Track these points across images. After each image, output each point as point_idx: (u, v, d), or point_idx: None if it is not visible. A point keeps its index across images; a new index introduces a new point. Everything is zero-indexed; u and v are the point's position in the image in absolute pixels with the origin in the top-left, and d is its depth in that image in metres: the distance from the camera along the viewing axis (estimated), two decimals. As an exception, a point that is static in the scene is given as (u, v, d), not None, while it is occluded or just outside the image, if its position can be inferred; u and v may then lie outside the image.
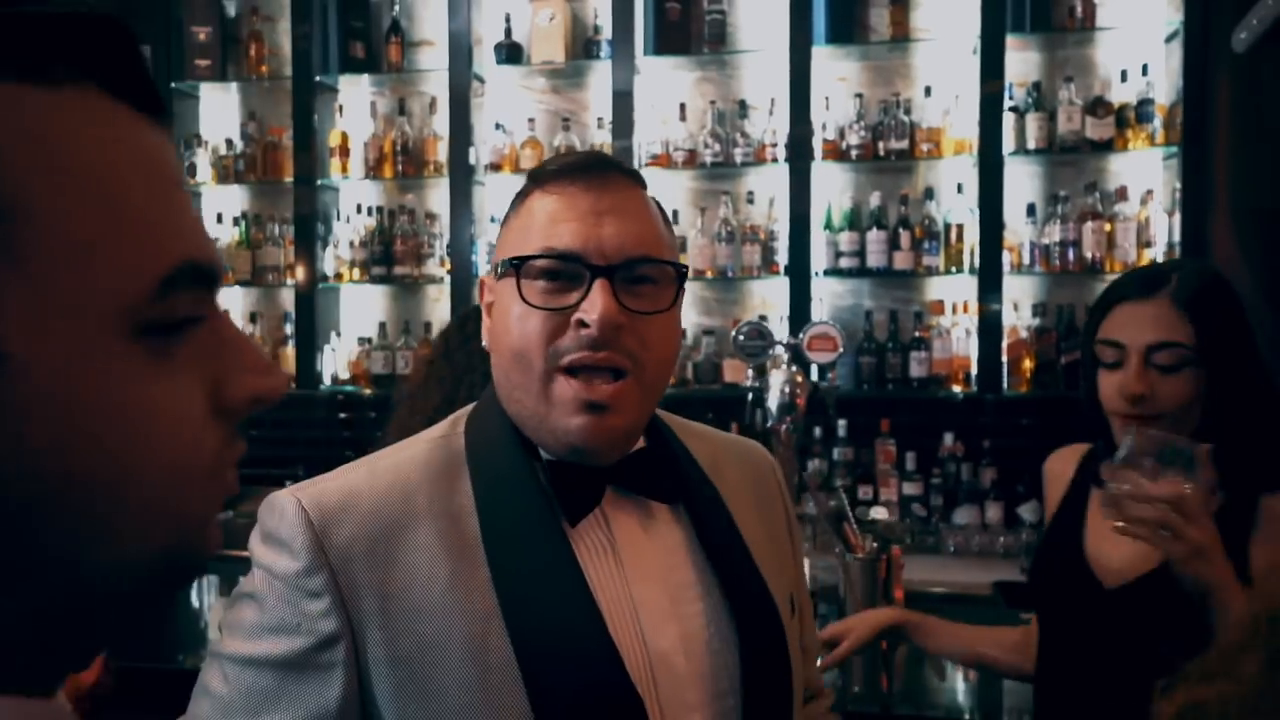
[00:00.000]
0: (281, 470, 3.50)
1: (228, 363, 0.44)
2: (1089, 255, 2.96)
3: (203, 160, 3.52)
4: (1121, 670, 1.22)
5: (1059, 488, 1.44)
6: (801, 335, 1.86)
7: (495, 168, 3.31)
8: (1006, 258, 3.02)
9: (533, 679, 0.78)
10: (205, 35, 3.49)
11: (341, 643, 0.78)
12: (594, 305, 0.80)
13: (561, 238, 0.82)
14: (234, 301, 3.61)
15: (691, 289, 3.31)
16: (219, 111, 3.62)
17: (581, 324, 0.80)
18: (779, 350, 1.99)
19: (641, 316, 0.83)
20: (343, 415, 3.59)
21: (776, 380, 1.93)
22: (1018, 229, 3.06)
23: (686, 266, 0.89)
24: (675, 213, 3.21)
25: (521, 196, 0.88)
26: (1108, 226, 2.97)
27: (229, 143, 3.53)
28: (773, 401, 1.96)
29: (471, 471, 0.86)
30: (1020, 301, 3.10)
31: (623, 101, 3.12)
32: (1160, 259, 2.94)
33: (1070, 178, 3.08)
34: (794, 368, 1.82)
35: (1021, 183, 3.09)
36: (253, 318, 3.58)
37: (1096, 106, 2.95)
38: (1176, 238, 2.87)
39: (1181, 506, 1.06)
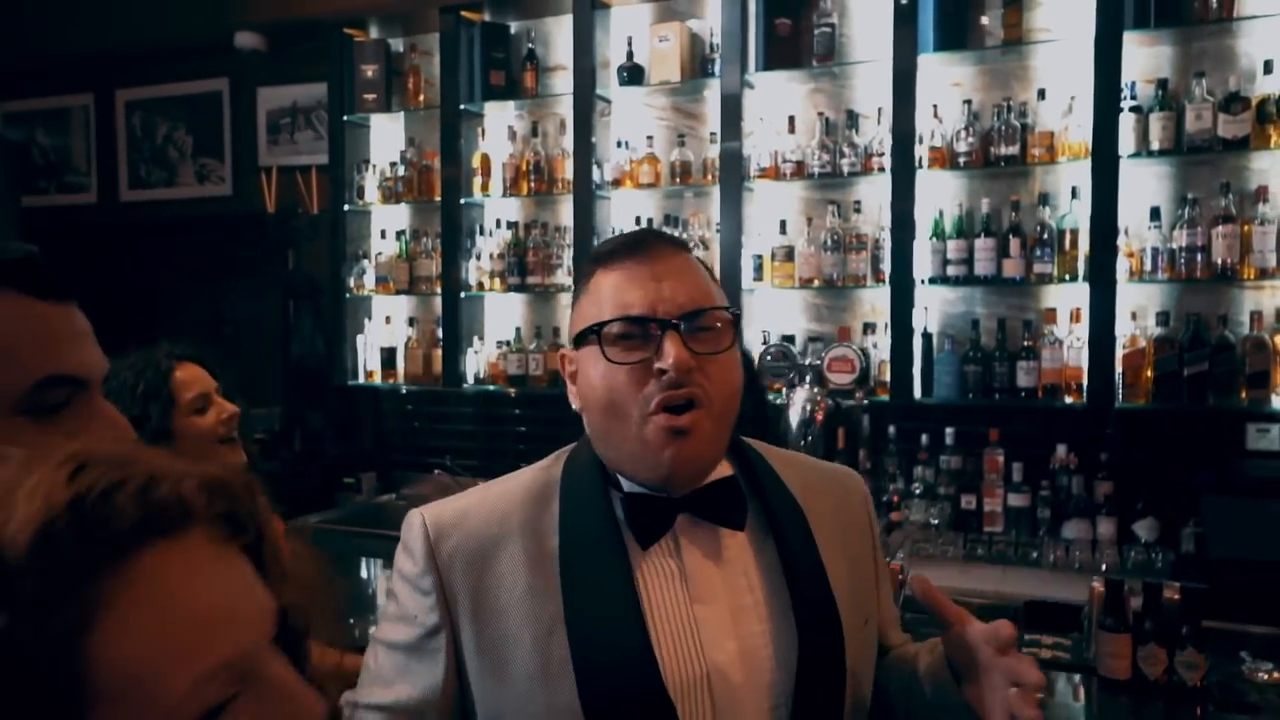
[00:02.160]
0: (434, 459, 3.92)
1: (93, 425, 0.78)
2: (1219, 261, 2.78)
3: (370, 183, 3.98)
4: None
5: None
6: (822, 357, 1.94)
7: (617, 183, 3.53)
8: (1125, 264, 2.89)
9: (584, 679, 0.92)
10: (373, 72, 3.94)
11: (442, 633, 0.98)
12: (668, 354, 0.95)
13: (631, 304, 0.98)
14: (396, 308, 4.05)
15: (801, 297, 3.39)
16: (385, 139, 4.07)
17: (661, 371, 0.95)
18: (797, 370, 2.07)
19: (707, 357, 0.97)
20: (484, 411, 3.95)
21: (799, 398, 2.01)
22: (1141, 234, 2.92)
23: (739, 312, 1.06)
24: (783, 222, 3.30)
25: (585, 278, 1.04)
26: (1244, 229, 2.78)
27: (392, 165, 3.97)
28: (794, 417, 2.04)
29: (561, 497, 1.02)
30: (1145, 310, 2.95)
31: (732, 116, 3.25)
32: (1303, 264, 2.72)
33: (1203, 179, 2.90)
34: (815, 388, 1.90)
35: (1145, 185, 2.95)
36: (411, 322, 4.00)
37: (1231, 102, 2.76)
38: (1320, 241, 2.64)
39: None
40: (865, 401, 2.58)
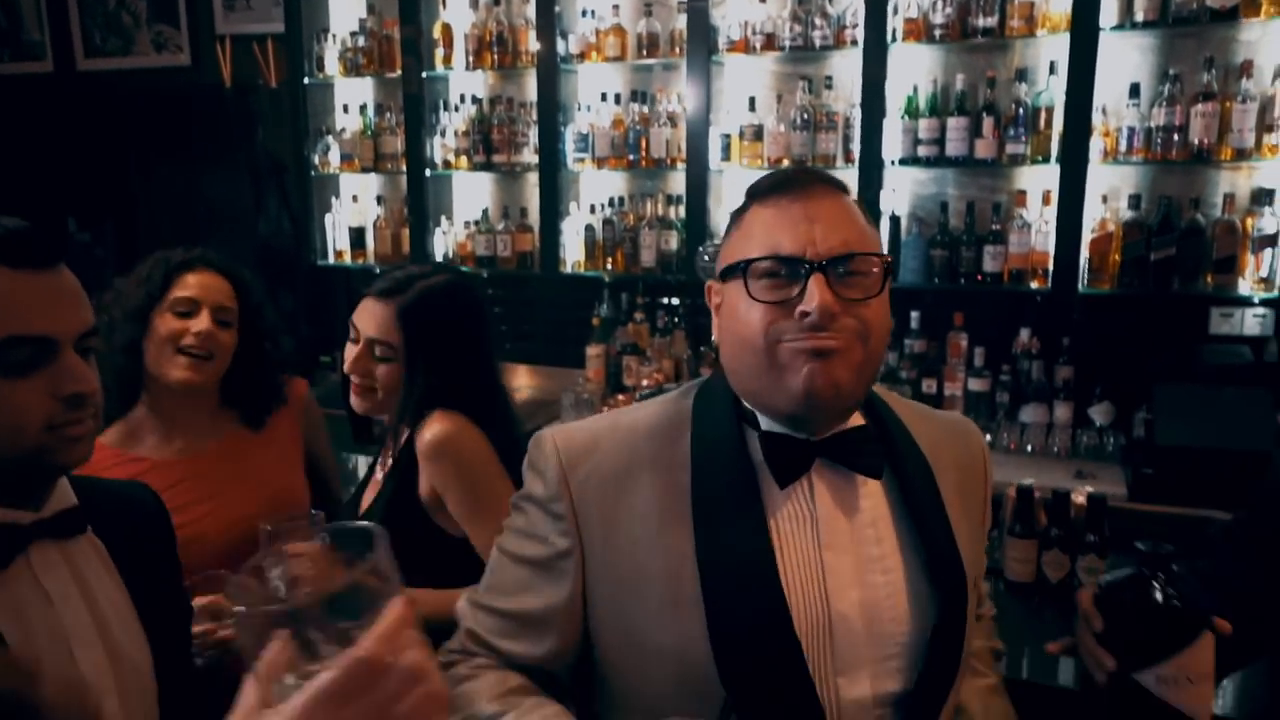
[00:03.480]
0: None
1: (62, 378, 0.95)
2: (1196, 141, 2.69)
3: (331, 54, 3.81)
4: None
5: None
6: None
7: (583, 56, 3.38)
8: (1100, 145, 2.80)
9: (714, 613, 0.94)
10: (327, -67, 3.71)
11: (573, 556, 1.01)
12: (812, 296, 0.93)
13: (781, 242, 0.96)
14: (364, 187, 3.96)
15: (771, 176, 3.30)
16: (344, 5, 3.87)
17: (804, 314, 0.93)
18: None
19: (854, 304, 0.95)
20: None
21: None
22: (1119, 112, 2.81)
23: (891, 259, 1.01)
24: (752, 99, 3.18)
25: (741, 212, 1.03)
26: (1224, 107, 2.67)
27: (353, 35, 3.80)
28: None
29: (693, 431, 1.02)
30: (1118, 192, 2.88)
31: (701, -16, 3.08)
32: (1281, 145, 2.63)
33: (1187, 53, 2.77)
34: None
35: (1127, 60, 2.82)
36: (379, 201, 3.92)
37: (1222, -32, 2.60)
38: (1300, 122, 2.55)
39: None
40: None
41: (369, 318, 1.58)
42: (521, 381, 3.86)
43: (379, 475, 1.64)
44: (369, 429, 1.75)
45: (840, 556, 0.99)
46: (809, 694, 0.94)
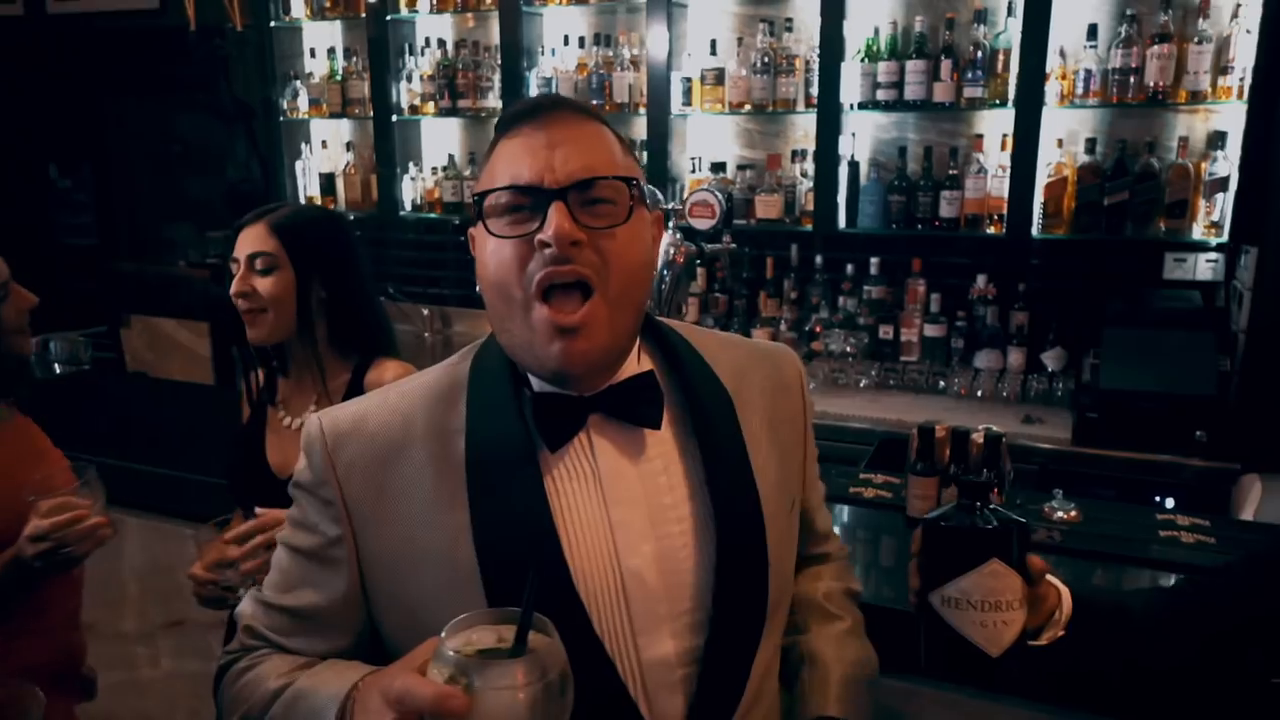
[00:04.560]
0: (379, 285, 3.96)
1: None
2: (1151, 83, 2.67)
3: (297, -4, 3.78)
4: None
5: None
6: (684, 202, 1.92)
7: (545, -2, 3.35)
8: (1057, 88, 2.78)
9: (491, 585, 0.88)
10: None
11: (344, 543, 0.94)
12: (550, 224, 0.86)
13: (520, 172, 0.88)
14: (334, 132, 3.96)
15: (733, 122, 3.30)
16: (309, -53, 3.83)
17: (544, 245, 0.86)
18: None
19: (600, 232, 0.88)
20: (422, 239, 3.94)
21: (663, 241, 1.98)
22: (1078, 54, 2.79)
23: (636, 180, 0.93)
24: (714, 42, 3.16)
25: (491, 146, 0.95)
26: (1180, 48, 2.65)
27: (318, -22, 3.76)
28: (657, 261, 2.01)
29: (468, 398, 0.95)
30: (1076, 135, 2.86)
31: (661, -76, 3.03)
32: (1236, 88, 2.61)
33: (1147, -8, 2.74)
34: (677, 233, 1.88)
35: (1087, 1, 2.78)
36: (348, 147, 3.92)
37: (1183, -94, 2.56)
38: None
39: None
40: (733, 245, 2.56)
41: (243, 240, 1.57)
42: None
43: (287, 423, 1.63)
44: (260, 384, 1.69)
45: (629, 511, 0.93)
46: (600, 659, 0.90)
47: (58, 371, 3.09)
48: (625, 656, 0.92)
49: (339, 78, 3.80)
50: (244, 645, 1.01)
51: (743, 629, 0.96)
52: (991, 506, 0.95)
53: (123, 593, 2.20)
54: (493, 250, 0.90)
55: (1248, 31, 2.57)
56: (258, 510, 1.44)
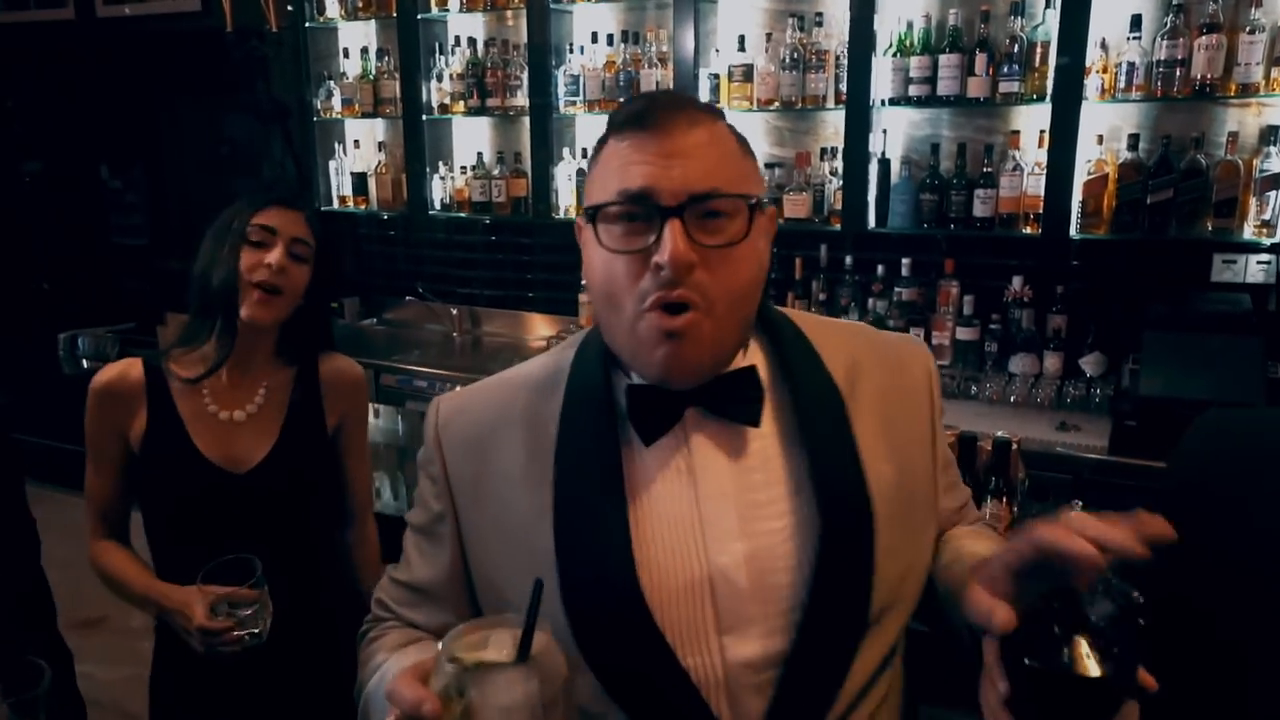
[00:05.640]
0: (411, 284, 3.98)
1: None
2: (1199, 76, 2.54)
3: (332, -2, 3.81)
4: None
5: None
6: None
7: (574, -5, 3.32)
8: (1098, 82, 2.67)
9: (566, 572, 0.89)
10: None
11: (447, 519, 0.99)
12: (665, 246, 0.84)
13: (633, 181, 0.86)
14: (368, 132, 3.98)
15: (763, 119, 3.23)
16: (345, -52, 3.85)
17: (659, 266, 0.84)
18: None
19: (715, 250, 0.86)
20: (452, 238, 3.94)
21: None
22: (1120, 46, 2.67)
23: (756, 198, 0.89)
24: (742, 38, 3.09)
25: (599, 145, 0.93)
26: (1230, 39, 2.51)
27: (352, -22, 3.78)
28: None
29: (567, 385, 0.97)
30: (1119, 131, 2.74)
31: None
32: (1291, 81, 2.47)
33: (1195, -19, 2.60)
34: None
35: (1130, -11, 2.66)
36: (380, 147, 3.94)
37: (1234, -111, 2.43)
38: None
39: None
40: None
41: (285, 220, 1.52)
42: (516, 329, 3.87)
43: (223, 417, 1.54)
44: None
45: (721, 506, 0.91)
46: (668, 662, 0.88)
47: (85, 367, 3.15)
48: (707, 654, 0.90)
49: (371, 77, 3.81)
50: (375, 617, 1.07)
51: (838, 635, 0.91)
52: (1097, 621, 0.71)
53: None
54: (603, 260, 0.89)
55: (1304, 20, 2.44)
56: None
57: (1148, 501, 0.99)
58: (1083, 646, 0.70)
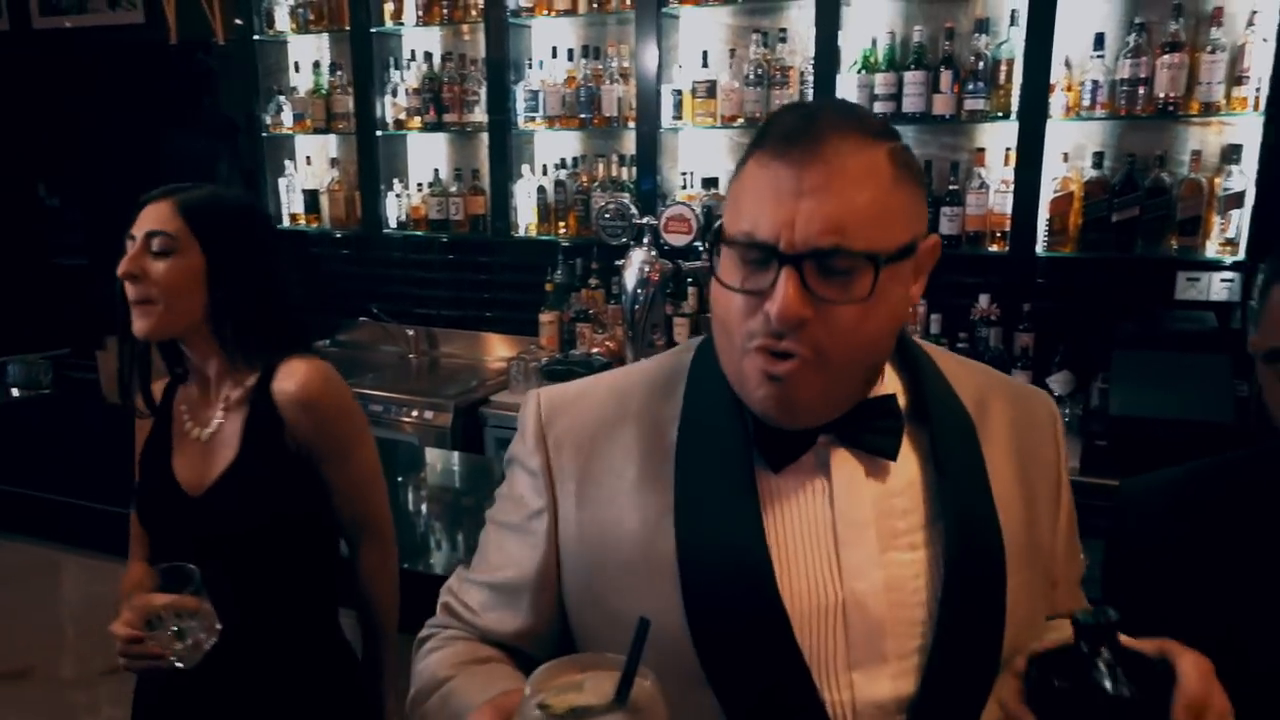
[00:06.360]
0: (365, 304, 3.86)
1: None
2: (1162, 94, 2.54)
3: (281, 9, 3.69)
4: None
5: None
6: (659, 218, 1.80)
7: (533, 10, 3.25)
8: (1063, 99, 2.66)
9: (689, 576, 0.83)
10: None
11: (545, 515, 0.92)
12: (777, 297, 0.77)
13: (760, 221, 0.79)
14: (319, 148, 3.86)
15: (726, 136, 3.18)
16: (295, -41, 3.74)
17: (768, 315, 0.79)
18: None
19: (833, 305, 0.78)
20: (409, 257, 3.83)
21: (636, 259, 1.86)
22: (1084, 65, 2.66)
23: (879, 256, 0.77)
24: (705, 53, 3.05)
25: (744, 160, 0.85)
26: (1192, 59, 2.52)
27: (303, -11, 3.67)
28: (630, 279, 1.89)
29: (687, 387, 0.91)
30: (1083, 149, 2.74)
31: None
32: (1252, 99, 2.48)
33: (1156, 0, 2.61)
34: (652, 251, 1.76)
35: (1093, 8, 2.66)
36: (333, 163, 3.82)
37: (1193, -90, 2.44)
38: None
39: None
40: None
41: (143, 217, 1.37)
42: (475, 350, 3.77)
43: (195, 435, 1.46)
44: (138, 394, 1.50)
45: (859, 530, 0.85)
46: (806, 687, 0.81)
47: (15, 396, 2.98)
48: (834, 690, 0.83)
49: (324, 92, 3.70)
50: (441, 623, 1.00)
51: (970, 677, 0.85)
52: (1123, 646, 0.70)
53: (60, 636, 2.06)
54: (717, 289, 0.84)
55: (1264, 40, 2.45)
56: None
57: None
58: (1104, 677, 0.69)
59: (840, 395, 0.84)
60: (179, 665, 1.26)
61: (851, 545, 0.84)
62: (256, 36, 3.73)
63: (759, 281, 0.79)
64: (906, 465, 0.88)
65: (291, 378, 1.41)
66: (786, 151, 0.78)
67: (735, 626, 0.82)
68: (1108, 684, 0.68)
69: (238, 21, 3.71)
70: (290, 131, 3.77)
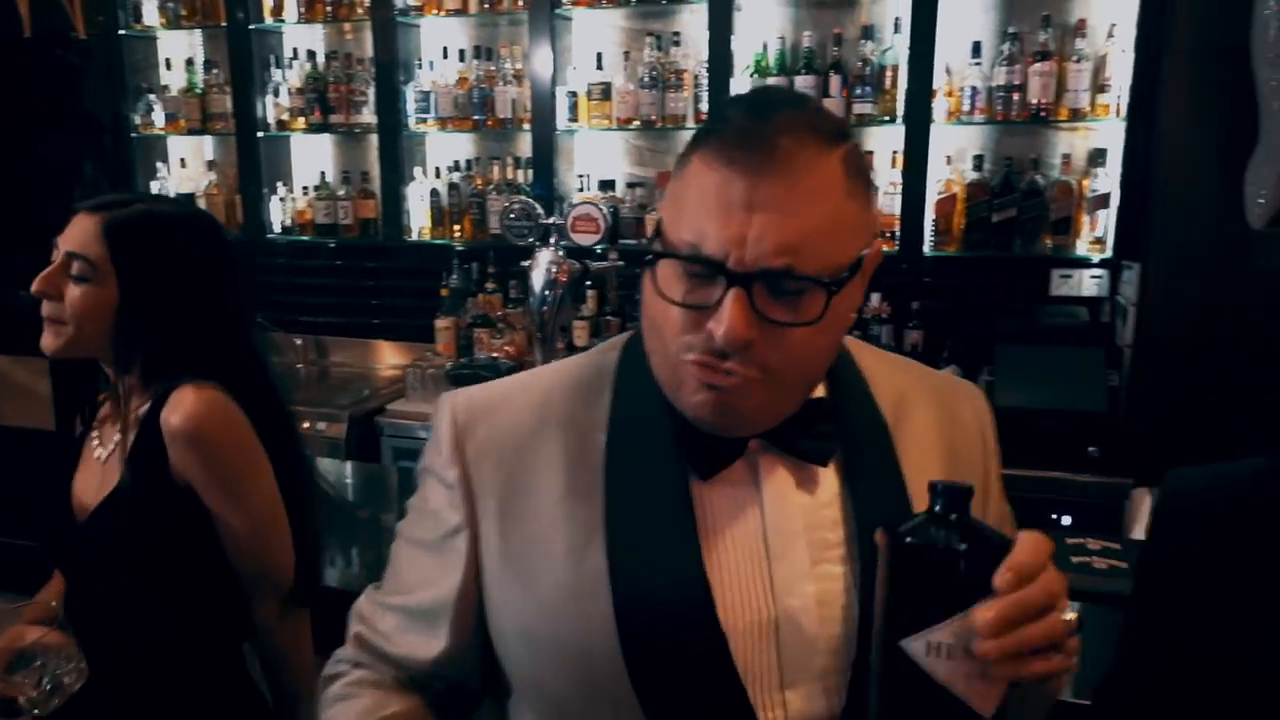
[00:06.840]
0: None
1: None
2: (1034, 101, 2.68)
3: (150, 2, 3.49)
4: None
5: None
6: (566, 217, 1.78)
7: (422, 9, 3.18)
8: (945, 104, 2.77)
9: (622, 596, 0.79)
10: None
11: (464, 532, 0.85)
12: (723, 319, 0.72)
13: (705, 235, 0.73)
14: (194, 150, 3.67)
15: (622, 138, 3.19)
16: (164, -49, 3.55)
17: (712, 334, 0.74)
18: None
19: (780, 328, 0.74)
20: (295, 264, 3.68)
21: (543, 259, 1.85)
22: (963, 71, 2.78)
23: (830, 284, 0.74)
24: (600, 55, 3.04)
25: (686, 157, 0.78)
26: (1060, 67, 2.67)
27: (174, -16, 3.49)
28: (538, 280, 1.88)
29: (614, 389, 0.86)
30: (964, 152, 2.86)
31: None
32: (1114, 105, 2.64)
33: (1026, 10, 2.75)
34: (559, 250, 1.75)
35: (971, 17, 2.79)
36: (210, 165, 3.64)
37: (1059, -73, 2.59)
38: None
39: None
40: (620, 262, 2.43)
41: (70, 232, 1.31)
42: (366, 359, 3.66)
43: (98, 455, 1.39)
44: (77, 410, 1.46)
45: (791, 544, 0.81)
46: (742, 708, 0.78)
47: None
48: (768, 709, 0.79)
49: (199, 91, 3.52)
50: (350, 658, 0.93)
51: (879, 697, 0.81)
52: (974, 518, 0.72)
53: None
54: (654, 298, 0.78)
55: (1123, 51, 2.61)
56: None
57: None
58: (945, 532, 0.72)
59: (783, 408, 0.81)
60: (35, 713, 1.14)
61: (782, 559, 0.82)
62: (122, 31, 3.52)
63: (703, 297, 0.74)
64: (831, 477, 0.85)
65: (178, 409, 1.30)
66: (738, 157, 0.73)
67: (672, 649, 0.78)
68: (944, 538, 0.71)
69: (99, 18, 3.49)
70: (162, 132, 3.58)
